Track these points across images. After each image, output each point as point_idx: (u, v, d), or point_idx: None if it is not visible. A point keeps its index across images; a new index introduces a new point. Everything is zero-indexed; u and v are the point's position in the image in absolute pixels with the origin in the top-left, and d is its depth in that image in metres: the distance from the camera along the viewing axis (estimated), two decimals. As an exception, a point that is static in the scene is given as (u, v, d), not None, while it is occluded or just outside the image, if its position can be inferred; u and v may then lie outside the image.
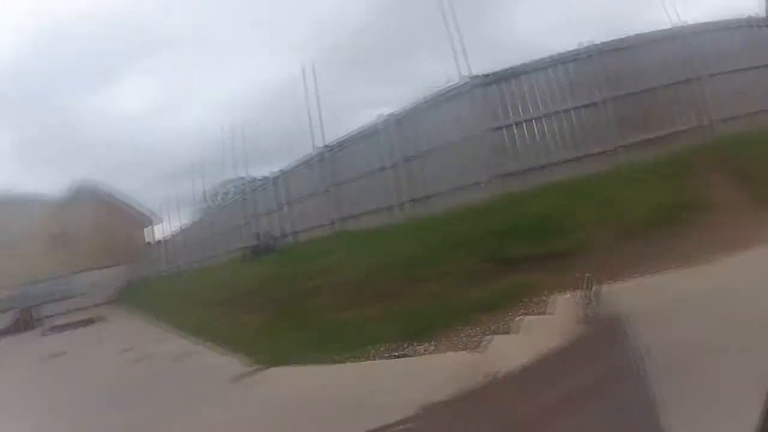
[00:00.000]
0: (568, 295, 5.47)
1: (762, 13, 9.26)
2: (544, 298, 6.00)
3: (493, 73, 8.92)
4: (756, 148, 7.49)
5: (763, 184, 6.91)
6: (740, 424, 1.83)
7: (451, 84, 9.19)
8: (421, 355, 5.85)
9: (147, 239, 26.11)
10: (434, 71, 9.47)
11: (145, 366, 8.49)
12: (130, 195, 25.51)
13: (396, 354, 6.01)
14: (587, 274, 5.19)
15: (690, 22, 8.90)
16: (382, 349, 6.20)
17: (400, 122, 9.82)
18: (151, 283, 22.19)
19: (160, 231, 25.02)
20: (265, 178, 14.15)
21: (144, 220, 25.70)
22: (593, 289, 5.09)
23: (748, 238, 5.94)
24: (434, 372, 5.18)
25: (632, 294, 5.36)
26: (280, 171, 13.00)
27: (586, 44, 8.72)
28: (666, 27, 8.92)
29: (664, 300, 4.93)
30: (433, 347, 5.88)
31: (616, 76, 8.63)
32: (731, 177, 7.21)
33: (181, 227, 21.69)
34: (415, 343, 6.05)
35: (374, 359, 6.10)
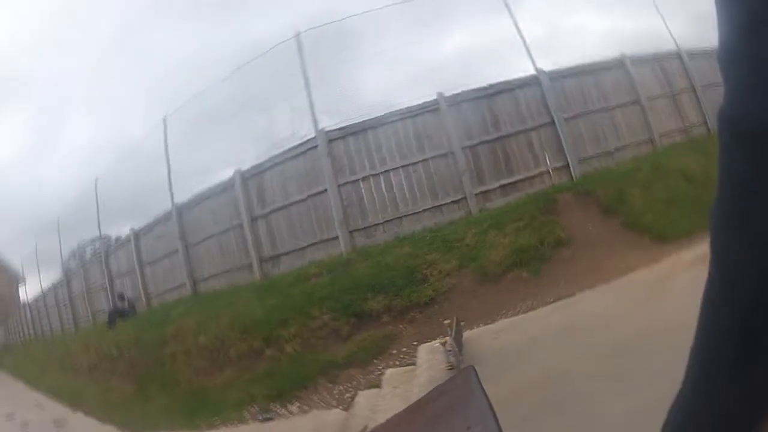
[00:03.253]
0: (434, 344, 5.33)
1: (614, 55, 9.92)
2: (408, 348, 5.93)
3: (341, 128, 8.80)
4: (616, 183, 7.86)
5: (626, 214, 7.23)
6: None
7: (299, 141, 9.01)
8: (289, 416, 5.66)
9: (21, 298, 23.85)
10: (285, 128, 9.22)
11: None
12: (-2, 250, 23.34)
13: (264, 416, 5.78)
14: (449, 321, 5.10)
15: (546, 69, 9.17)
16: (249, 412, 5.96)
17: (249, 180, 9.55)
18: (26, 346, 20.51)
19: (24, 292, 23.24)
20: (119, 238, 13.58)
21: (17, 277, 23.51)
22: (458, 334, 4.98)
23: (610, 268, 6.14)
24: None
25: (498, 335, 5.36)
26: (132, 230, 12.43)
27: (436, 96, 8.76)
28: (520, 75, 9.12)
29: (529, 337, 4.96)
30: (299, 407, 5.71)
31: (470, 124, 8.78)
32: (595, 212, 7.49)
33: (43, 288, 20.20)
34: (282, 405, 5.84)
35: (245, 423, 5.85)
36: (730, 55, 0.54)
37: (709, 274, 0.57)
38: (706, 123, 10.48)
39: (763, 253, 0.50)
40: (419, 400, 1.42)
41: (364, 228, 8.54)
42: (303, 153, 8.95)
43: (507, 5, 9.64)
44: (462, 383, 1.33)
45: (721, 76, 0.54)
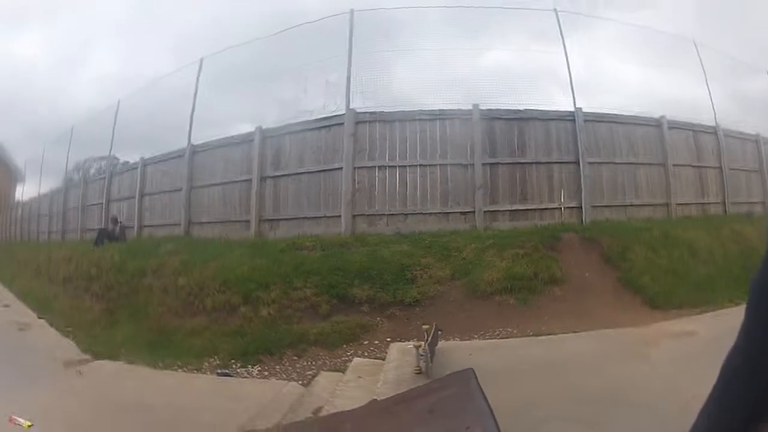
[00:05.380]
0: (408, 345, 5.30)
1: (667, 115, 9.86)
2: (381, 343, 5.94)
3: (371, 113, 8.80)
4: (623, 237, 7.83)
5: (625, 270, 7.21)
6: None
7: (327, 114, 8.98)
8: (247, 377, 5.65)
9: (17, 197, 23.74)
10: (316, 99, 9.20)
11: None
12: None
13: (222, 372, 5.73)
14: (428, 326, 5.06)
15: (584, 108, 9.16)
16: (209, 363, 5.94)
17: (268, 140, 9.53)
18: (9, 245, 20.52)
19: (21, 191, 23.14)
20: (127, 163, 13.58)
21: (16, 175, 23.39)
22: (433, 342, 4.94)
23: (596, 317, 6.13)
24: (257, 398, 4.89)
25: (473, 353, 5.32)
26: (141, 158, 12.43)
27: (471, 106, 8.77)
28: (558, 109, 9.13)
29: (503, 363, 4.92)
30: (260, 371, 5.71)
31: (497, 142, 8.79)
32: (595, 259, 7.47)
33: (40, 193, 20.12)
34: (243, 365, 5.83)
35: (202, 373, 5.82)
36: None
37: (737, 341, 0.56)
38: (724, 203, 10.45)
39: None
40: (407, 393, 1.40)
41: (368, 215, 8.55)
42: (328, 127, 8.93)
43: (561, 35, 9.61)
44: (460, 384, 1.31)
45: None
